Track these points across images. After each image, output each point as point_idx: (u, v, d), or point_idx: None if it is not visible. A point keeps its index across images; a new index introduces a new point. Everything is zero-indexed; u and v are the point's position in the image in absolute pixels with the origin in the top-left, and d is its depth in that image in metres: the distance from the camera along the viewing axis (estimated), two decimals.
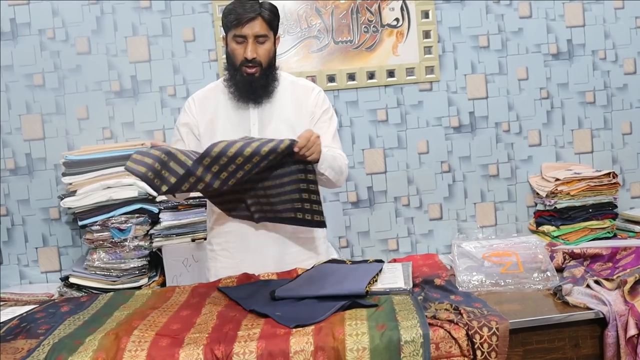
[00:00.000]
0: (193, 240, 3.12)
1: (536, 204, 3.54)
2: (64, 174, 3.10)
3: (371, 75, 3.48)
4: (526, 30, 3.54)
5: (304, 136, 2.40)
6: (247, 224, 2.66)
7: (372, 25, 3.46)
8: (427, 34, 3.49)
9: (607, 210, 3.35)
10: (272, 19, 2.56)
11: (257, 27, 2.53)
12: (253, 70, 2.57)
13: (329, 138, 2.71)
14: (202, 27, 3.40)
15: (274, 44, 2.63)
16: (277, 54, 2.66)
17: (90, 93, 3.38)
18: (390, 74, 3.48)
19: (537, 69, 3.57)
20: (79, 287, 3.00)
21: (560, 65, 3.58)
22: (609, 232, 3.30)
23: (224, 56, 3.35)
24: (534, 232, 3.46)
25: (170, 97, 3.41)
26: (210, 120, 2.67)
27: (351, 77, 3.47)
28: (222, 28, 2.62)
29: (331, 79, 3.45)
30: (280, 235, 2.67)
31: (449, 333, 2.06)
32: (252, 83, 2.59)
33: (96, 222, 3.04)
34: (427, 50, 3.50)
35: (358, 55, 3.47)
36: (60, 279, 3.15)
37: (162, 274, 3.14)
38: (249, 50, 2.54)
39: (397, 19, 3.47)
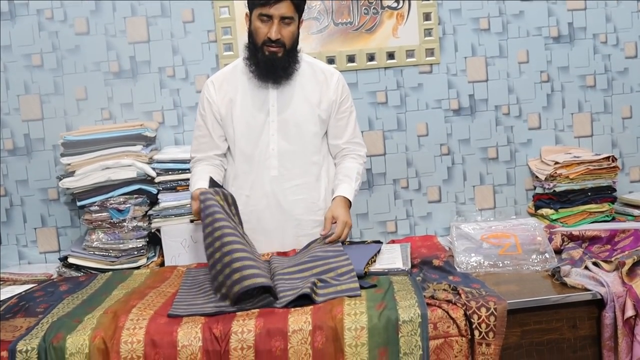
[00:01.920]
0: (192, 221, 3.11)
1: (535, 187, 3.54)
2: (62, 155, 3.09)
3: (371, 57, 3.46)
4: (527, 13, 3.52)
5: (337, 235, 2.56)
6: (264, 205, 2.68)
7: (372, 7, 3.44)
8: (427, 16, 3.47)
9: (606, 193, 3.34)
10: (300, 1, 2.57)
11: (284, 8, 2.53)
12: (275, 49, 2.58)
13: (350, 131, 2.80)
14: (202, 8, 3.38)
15: (298, 26, 2.64)
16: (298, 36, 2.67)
17: (88, 74, 3.36)
18: (390, 56, 3.47)
19: (538, 52, 3.55)
20: (77, 268, 2.99)
21: (561, 48, 3.56)
22: (607, 216, 3.30)
23: (224, 37, 3.37)
24: (532, 215, 3.46)
25: (169, 78, 3.40)
26: (230, 100, 2.69)
27: (351, 59, 3.45)
28: (246, 5, 2.64)
29: (331, 60, 3.43)
30: (296, 217, 2.71)
31: (447, 313, 2.07)
32: (274, 62, 2.61)
33: (95, 202, 3.03)
34: (428, 32, 3.48)
35: (358, 37, 3.45)
36: (59, 259, 3.15)
37: (161, 254, 3.14)
38: (273, 31, 2.54)
39: (397, 1, 3.45)
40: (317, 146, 2.74)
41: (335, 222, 2.57)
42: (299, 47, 2.69)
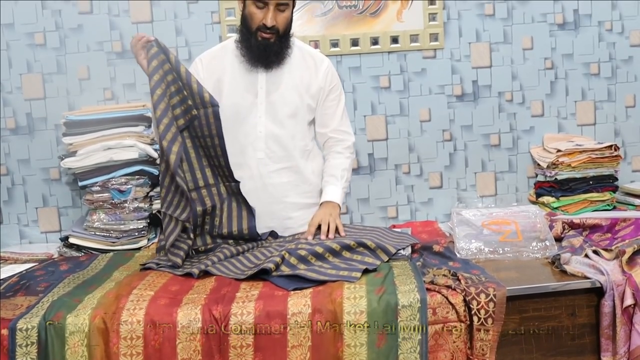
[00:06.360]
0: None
1: (537, 175, 3.53)
2: (64, 134, 3.08)
3: (375, 41, 3.44)
4: None
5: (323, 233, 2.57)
6: (251, 187, 2.69)
7: None
8: (432, 1, 3.45)
9: (607, 182, 3.34)
10: None
11: None
12: (269, 36, 2.59)
13: (337, 119, 2.80)
14: None
15: (292, 11, 2.65)
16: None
17: (91, 53, 3.35)
18: (394, 40, 3.45)
19: (543, 38, 3.53)
20: (78, 248, 3.00)
21: (565, 35, 3.54)
22: (608, 205, 3.29)
23: (228, 18, 3.35)
24: (533, 202, 3.45)
25: None
26: (218, 79, 2.71)
27: (354, 42, 3.44)
28: None
29: (334, 44, 3.42)
30: (282, 200, 2.71)
31: (447, 298, 2.07)
32: (266, 48, 2.62)
33: (96, 183, 3.03)
34: (432, 17, 3.46)
35: (362, 20, 3.44)
36: (60, 239, 3.15)
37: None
38: (269, 18, 2.54)
39: None
40: (304, 130, 2.76)
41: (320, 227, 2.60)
42: (291, 31, 2.70)
